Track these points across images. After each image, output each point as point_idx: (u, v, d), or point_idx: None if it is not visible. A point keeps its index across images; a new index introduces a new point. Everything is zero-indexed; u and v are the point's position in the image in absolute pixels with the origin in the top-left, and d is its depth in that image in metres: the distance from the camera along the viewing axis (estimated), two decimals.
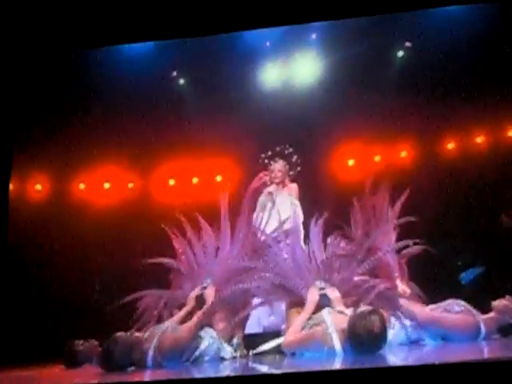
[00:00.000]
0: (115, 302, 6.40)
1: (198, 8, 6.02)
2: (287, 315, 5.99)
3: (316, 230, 6.30)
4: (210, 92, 9.61)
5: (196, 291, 6.21)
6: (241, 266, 6.27)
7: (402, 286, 6.20)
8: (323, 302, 5.66)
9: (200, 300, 6.10)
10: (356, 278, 5.99)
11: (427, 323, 5.66)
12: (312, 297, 5.71)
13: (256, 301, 6.26)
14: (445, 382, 3.56)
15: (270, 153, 8.04)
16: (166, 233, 6.68)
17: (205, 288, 6.19)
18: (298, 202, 7.75)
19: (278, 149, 8.06)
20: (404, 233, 6.62)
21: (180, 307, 6.19)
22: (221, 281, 6.19)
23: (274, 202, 7.55)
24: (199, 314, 5.84)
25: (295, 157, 8.04)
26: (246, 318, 6.53)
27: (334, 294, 5.73)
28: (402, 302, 5.76)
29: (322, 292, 5.76)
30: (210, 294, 6.09)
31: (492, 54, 8.51)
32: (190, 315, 5.93)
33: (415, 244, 6.53)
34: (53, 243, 8.85)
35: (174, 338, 5.55)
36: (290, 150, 8.06)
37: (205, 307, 5.93)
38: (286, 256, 6.23)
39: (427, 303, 6.13)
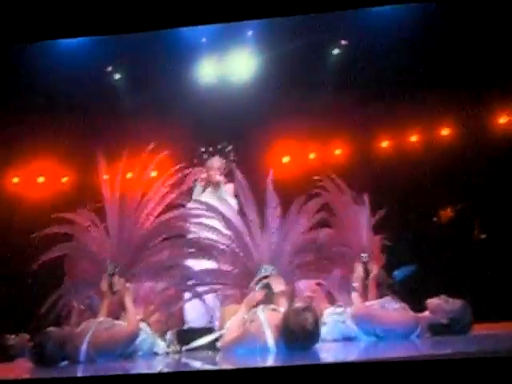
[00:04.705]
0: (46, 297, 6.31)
1: (134, 4, 5.97)
2: (223, 313, 5.97)
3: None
4: (146, 87, 9.58)
5: (104, 282, 5.92)
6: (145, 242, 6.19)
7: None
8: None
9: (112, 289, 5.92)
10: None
11: (365, 319, 5.72)
12: (252, 296, 5.67)
13: (188, 295, 6.21)
14: (377, 378, 3.59)
15: (204, 149, 7.98)
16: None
17: (112, 275, 5.94)
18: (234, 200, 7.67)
19: (213, 146, 8.01)
20: None
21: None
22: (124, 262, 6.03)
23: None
24: (132, 310, 5.77)
25: (231, 153, 8.01)
26: (181, 313, 6.50)
27: (277, 287, 5.73)
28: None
29: (266, 281, 5.75)
30: (122, 285, 5.88)
31: (427, 53, 8.64)
32: (111, 309, 5.86)
33: None
34: None
35: (112, 333, 5.52)
36: (226, 146, 8.03)
37: (127, 301, 5.81)
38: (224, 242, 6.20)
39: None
